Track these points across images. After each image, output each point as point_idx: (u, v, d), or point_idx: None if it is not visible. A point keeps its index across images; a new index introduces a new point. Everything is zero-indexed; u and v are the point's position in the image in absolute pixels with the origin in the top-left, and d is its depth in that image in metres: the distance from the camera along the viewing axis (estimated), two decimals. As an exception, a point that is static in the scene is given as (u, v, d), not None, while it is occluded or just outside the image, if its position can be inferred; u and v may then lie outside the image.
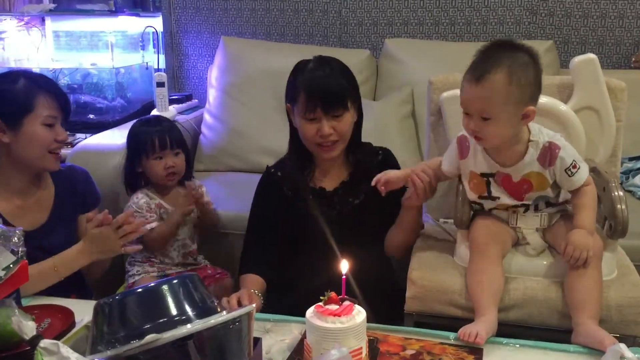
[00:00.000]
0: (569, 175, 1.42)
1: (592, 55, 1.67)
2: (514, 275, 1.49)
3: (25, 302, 1.31)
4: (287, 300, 1.70)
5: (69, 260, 1.50)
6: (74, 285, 1.66)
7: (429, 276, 1.53)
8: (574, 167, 1.41)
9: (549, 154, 1.41)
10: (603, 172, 1.53)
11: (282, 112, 2.66)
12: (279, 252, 1.74)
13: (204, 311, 0.89)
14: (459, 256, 1.58)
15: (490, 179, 1.48)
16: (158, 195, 1.92)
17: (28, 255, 1.37)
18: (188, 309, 0.89)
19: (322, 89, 1.59)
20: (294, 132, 1.73)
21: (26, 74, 1.61)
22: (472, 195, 1.52)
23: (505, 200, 1.48)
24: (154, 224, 1.87)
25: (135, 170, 1.92)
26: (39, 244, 1.51)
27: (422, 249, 1.65)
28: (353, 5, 2.82)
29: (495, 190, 1.49)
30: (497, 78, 1.32)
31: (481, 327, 1.31)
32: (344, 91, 1.61)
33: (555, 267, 1.48)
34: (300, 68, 1.67)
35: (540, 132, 1.44)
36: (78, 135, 2.74)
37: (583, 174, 1.42)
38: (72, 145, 2.59)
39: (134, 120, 2.74)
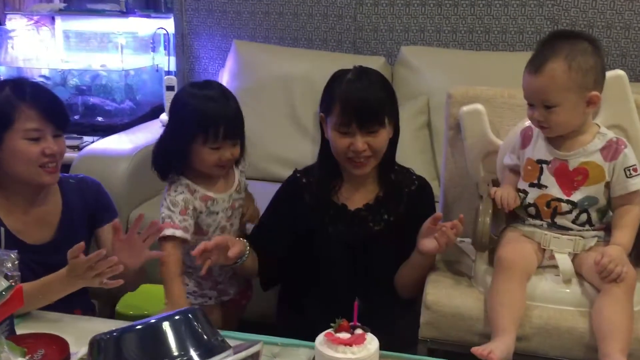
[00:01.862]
0: (627, 176, 1.41)
1: (620, 72, 1.60)
2: (537, 303, 1.41)
3: (19, 321, 1.25)
4: (297, 318, 1.64)
5: (52, 286, 1.38)
6: (77, 299, 1.60)
7: (444, 301, 1.46)
8: (635, 170, 1.41)
9: (614, 147, 1.42)
10: (633, 197, 1.45)
11: (294, 120, 2.65)
12: (274, 260, 1.67)
13: (208, 350, 0.82)
14: (477, 280, 1.51)
15: (544, 166, 1.45)
16: (203, 183, 1.56)
17: (32, 272, 1.32)
18: (191, 348, 0.82)
19: (358, 102, 1.51)
20: (325, 143, 1.63)
21: (13, 84, 1.50)
22: (522, 183, 1.50)
23: (553, 191, 1.44)
24: (177, 232, 1.50)
25: (180, 151, 1.52)
26: (45, 261, 1.45)
27: (437, 271, 1.58)
28: (368, 11, 2.75)
29: (545, 179, 1.45)
30: (555, 66, 1.35)
31: (496, 346, 1.26)
32: (382, 106, 1.52)
33: (583, 296, 1.41)
34: (337, 77, 1.58)
35: (610, 132, 1.46)
36: (85, 138, 2.70)
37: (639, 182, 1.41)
38: (80, 148, 2.55)
39: (144, 124, 2.74)
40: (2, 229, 1.45)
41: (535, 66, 1.38)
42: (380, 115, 1.52)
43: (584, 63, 1.36)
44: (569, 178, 1.44)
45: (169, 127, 1.60)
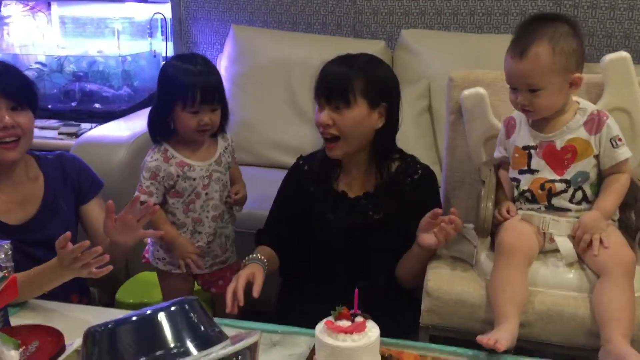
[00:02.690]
0: (613, 147, 1.42)
1: (624, 54, 1.57)
2: (539, 289, 1.39)
3: (15, 311, 1.24)
4: (298, 304, 1.63)
5: (45, 275, 1.36)
6: (75, 285, 1.59)
7: (446, 287, 1.44)
8: (620, 139, 1.42)
9: (596, 119, 1.43)
10: (636, 180, 1.43)
11: (293, 105, 2.62)
12: (292, 249, 1.67)
13: (205, 341, 0.81)
14: (479, 266, 1.49)
15: (532, 151, 1.46)
16: (183, 150, 1.69)
17: (22, 252, 1.30)
18: (187, 339, 0.80)
19: (326, 75, 1.54)
20: None
21: None
22: (512, 172, 1.50)
23: (545, 173, 1.44)
24: (143, 197, 1.64)
25: (164, 118, 1.66)
26: (30, 239, 1.44)
27: (438, 257, 1.56)
28: (368, -6, 2.72)
29: (535, 163, 1.45)
30: (540, 50, 1.36)
31: (501, 335, 1.25)
32: (348, 83, 1.49)
33: (585, 281, 1.39)
34: None
35: (590, 105, 1.47)
36: (83, 125, 2.67)
37: (626, 151, 1.43)
38: (77, 136, 2.53)
39: (141, 110, 2.72)
40: None
41: (518, 50, 1.38)
42: (345, 92, 1.49)
43: (567, 46, 1.37)
44: (559, 157, 1.44)
45: (156, 96, 1.71)
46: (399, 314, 1.52)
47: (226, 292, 1.44)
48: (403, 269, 1.61)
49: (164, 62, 1.77)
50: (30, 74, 2.84)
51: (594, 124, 1.43)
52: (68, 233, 1.31)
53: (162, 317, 0.81)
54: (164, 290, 1.83)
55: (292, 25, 2.81)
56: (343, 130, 1.52)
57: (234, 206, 1.79)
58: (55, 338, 1.13)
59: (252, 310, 1.54)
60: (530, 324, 1.37)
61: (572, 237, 1.42)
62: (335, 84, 1.51)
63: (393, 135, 1.61)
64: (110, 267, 1.34)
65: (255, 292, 1.45)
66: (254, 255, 1.58)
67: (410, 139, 2.28)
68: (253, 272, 1.48)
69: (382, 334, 1.15)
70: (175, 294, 1.75)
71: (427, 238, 1.47)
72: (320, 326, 1.15)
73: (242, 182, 1.84)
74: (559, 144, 1.44)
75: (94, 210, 1.67)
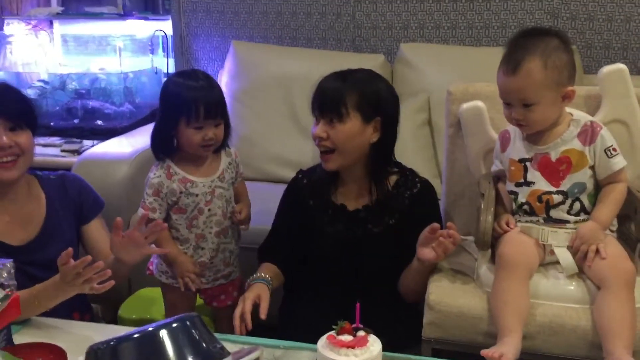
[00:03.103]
0: (608, 157, 1.43)
1: (621, 66, 1.58)
2: (541, 301, 1.40)
3: (18, 328, 1.24)
4: (299, 318, 1.64)
5: (47, 292, 1.37)
6: (75, 302, 1.59)
7: (447, 300, 1.45)
8: (614, 149, 1.44)
9: (590, 130, 1.44)
10: (635, 191, 1.44)
11: (294, 120, 2.63)
12: (295, 263, 1.68)
13: (207, 358, 0.81)
14: (479, 279, 1.49)
15: (528, 164, 1.47)
16: (186, 167, 1.69)
17: (20, 270, 1.30)
18: (189, 356, 0.81)
19: (320, 89, 1.57)
20: None
21: None
22: (509, 185, 1.51)
23: (541, 185, 1.45)
24: (155, 215, 1.65)
25: (168, 134, 1.66)
26: (31, 259, 1.44)
27: (439, 270, 1.57)
28: (367, 9, 2.74)
29: (531, 175, 1.46)
30: (532, 65, 1.37)
31: (506, 348, 1.25)
32: (340, 98, 1.52)
33: (587, 293, 1.39)
34: None
35: (584, 115, 1.49)
36: (85, 142, 2.69)
37: (621, 160, 1.44)
38: (79, 152, 2.55)
39: (143, 127, 2.73)
40: None
41: (511, 66, 1.39)
42: (338, 106, 1.52)
43: (558, 60, 1.38)
44: (554, 169, 1.45)
45: (159, 113, 1.71)
46: (401, 328, 1.52)
47: (234, 317, 1.45)
48: (404, 283, 1.61)
49: (165, 80, 1.77)
50: (32, 92, 2.87)
51: (588, 134, 1.44)
52: (70, 249, 1.32)
53: (164, 334, 0.82)
54: (166, 303, 1.83)
55: (292, 40, 2.83)
56: (337, 143, 1.54)
57: (239, 225, 1.79)
58: (58, 356, 1.13)
59: (253, 324, 1.54)
60: (533, 337, 1.37)
61: (571, 248, 1.43)
62: (328, 98, 1.54)
63: (389, 149, 1.62)
64: (112, 283, 1.34)
65: (262, 314, 1.47)
66: (258, 274, 1.59)
67: (410, 152, 2.29)
68: (259, 294, 1.50)
69: (384, 348, 1.15)
70: (177, 307, 1.78)
71: (426, 252, 1.48)
72: (322, 341, 1.15)
73: (246, 199, 1.84)
74: (554, 156, 1.45)
75: (95, 230, 1.68)
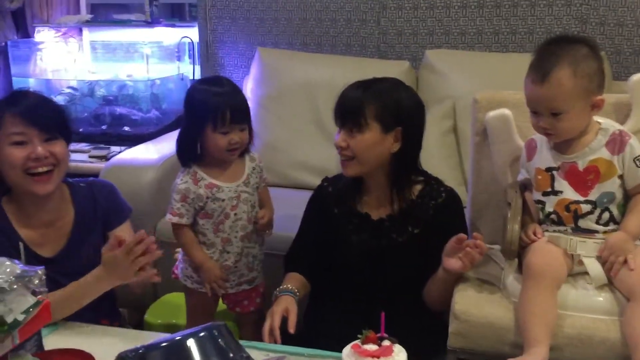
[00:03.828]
0: (637, 166, 1.40)
1: (653, 73, 1.55)
2: (569, 312, 1.38)
3: (48, 332, 1.26)
4: (324, 326, 1.64)
5: (87, 287, 1.40)
6: (105, 309, 1.62)
7: (473, 310, 1.44)
8: None
9: (618, 139, 1.42)
10: (666, 202, 1.41)
11: (319, 126, 2.63)
12: (319, 270, 1.69)
13: (233, 367, 0.82)
14: (506, 288, 1.48)
15: (555, 173, 1.45)
16: (212, 172, 1.71)
17: (50, 282, 1.33)
18: (216, 365, 0.81)
19: (340, 99, 1.58)
20: None
21: (10, 94, 1.52)
22: (536, 194, 1.49)
23: (569, 194, 1.43)
24: (174, 219, 1.69)
25: (193, 140, 1.69)
26: (61, 269, 1.46)
27: (465, 280, 1.55)
28: (392, 15, 2.73)
29: (558, 185, 1.44)
30: (561, 74, 1.35)
31: (532, 358, 1.24)
32: (359, 108, 1.52)
33: (616, 304, 1.37)
34: None
35: (612, 124, 1.46)
36: (113, 148, 2.73)
37: None
38: (107, 158, 2.58)
39: (170, 133, 2.76)
40: (22, 244, 1.46)
41: (539, 75, 1.37)
42: (356, 116, 1.52)
43: (588, 68, 1.36)
44: (582, 178, 1.43)
45: (184, 120, 1.75)
46: (426, 337, 1.51)
47: (262, 332, 1.47)
48: (430, 293, 1.60)
49: (190, 87, 1.79)
50: (61, 98, 2.92)
51: (616, 144, 1.42)
52: (119, 235, 1.38)
53: (191, 342, 0.83)
54: (188, 307, 1.85)
55: (316, 46, 2.84)
56: (356, 152, 1.55)
57: (263, 231, 1.80)
58: (87, 361, 1.15)
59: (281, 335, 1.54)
60: (560, 348, 1.35)
61: (600, 258, 1.41)
62: (348, 108, 1.55)
63: (412, 159, 1.62)
64: (155, 272, 1.38)
65: (291, 328, 1.48)
66: (285, 286, 1.60)
67: (435, 159, 2.28)
68: (287, 307, 1.52)
69: (409, 358, 1.14)
70: (199, 312, 1.80)
71: (452, 262, 1.47)
72: (347, 350, 1.15)
73: (270, 205, 1.85)
74: (581, 165, 1.43)
75: (122, 236, 1.69)
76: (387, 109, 1.54)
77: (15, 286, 0.98)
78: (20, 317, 0.96)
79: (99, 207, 1.64)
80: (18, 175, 1.47)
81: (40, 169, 1.47)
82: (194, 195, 1.70)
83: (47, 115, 1.51)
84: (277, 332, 1.45)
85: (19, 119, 1.46)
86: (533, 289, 1.37)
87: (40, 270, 1.02)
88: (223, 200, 1.71)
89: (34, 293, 1.00)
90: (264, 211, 1.79)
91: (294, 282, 1.64)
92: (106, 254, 1.37)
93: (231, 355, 0.86)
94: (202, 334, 0.85)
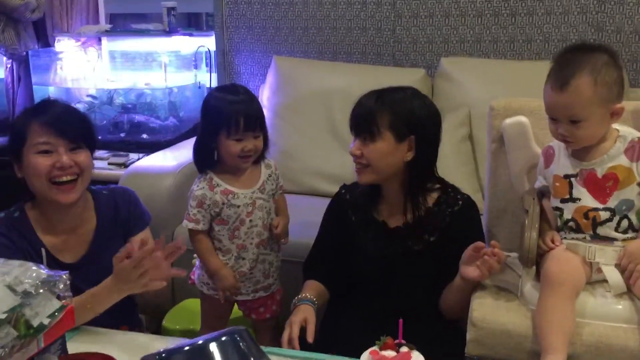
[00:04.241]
0: None
1: (670, 80, 1.55)
2: (587, 320, 1.37)
3: (69, 337, 1.28)
4: (341, 332, 1.64)
5: (99, 296, 1.41)
6: (125, 315, 1.64)
7: (491, 318, 1.43)
8: None
9: (637, 147, 1.41)
10: (684, 209, 1.40)
11: (334, 134, 2.65)
12: (337, 277, 1.70)
13: (255, 371, 0.83)
14: (524, 296, 1.47)
15: (573, 180, 1.45)
16: (228, 179, 1.74)
17: (71, 288, 1.35)
18: (238, 369, 0.83)
19: (354, 109, 1.60)
20: None
21: (36, 103, 1.56)
22: (554, 201, 1.48)
23: (587, 201, 1.42)
24: (190, 224, 1.72)
25: (209, 147, 1.72)
26: (82, 276, 1.48)
27: (483, 288, 1.55)
28: (407, 23, 2.75)
29: (577, 192, 1.44)
30: (581, 82, 1.35)
31: None
32: (371, 117, 1.54)
33: (635, 312, 1.36)
34: None
35: (630, 132, 1.46)
36: (132, 155, 2.76)
37: None
38: (126, 166, 2.62)
39: (187, 140, 2.79)
40: (44, 249, 1.48)
41: (559, 82, 1.37)
42: (369, 126, 1.54)
43: (608, 76, 1.36)
44: (600, 186, 1.42)
45: (200, 127, 1.77)
46: (443, 345, 1.51)
47: (281, 342, 1.48)
48: (446, 301, 1.60)
49: (207, 94, 1.83)
50: (81, 106, 2.96)
51: (635, 151, 1.41)
52: (128, 246, 1.39)
53: (213, 347, 0.84)
54: (203, 312, 1.87)
55: (332, 55, 2.86)
56: (370, 161, 1.56)
57: (278, 239, 1.81)
58: (109, 365, 1.16)
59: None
60: (579, 357, 1.34)
61: (619, 266, 1.40)
62: (361, 117, 1.57)
63: (427, 167, 1.62)
64: (165, 283, 1.39)
65: (310, 338, 1.49)
66: (304, 294, 1.62)
67: (451, 167, 2.28)
68: (305, 317, 1.53)
69: (427, 366, 1.15)
70: (213, 317, 1.82)
71: (470, 271, 1.48)
72: (365, 356, 1.16)
73: (285, 213, 1.86)
74: (600, 172, 1.43)
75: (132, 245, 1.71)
76: (400, 118, 1.55)
77: (41, 290, 1.00)
78: (46, 321, 0.98)
79: (120, 214, 1.66)
80: (43, 183, 1.50)
81: (64, 178, 1.50)
82: (210, 202, 1.72)
83: (72, 125, 1.54)
84: (296, 342, 1.46)
85: (45, 128, 1.49)
86: (551, 297, 1.36)
87: (65, 275, 1.04)
88: (238, 206, 1.73)
89: (59, 297, 1.02)
90: (278, 219, 1.80)
91: (312, 290, 1.65)
92: (116, 265, 1.39)
93: (252, 359, 0.87)
94: (224, 339, 0.86)
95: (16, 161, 1.53)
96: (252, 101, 1.72)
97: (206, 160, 1.75)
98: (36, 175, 1.49)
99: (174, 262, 1.44)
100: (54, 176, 1.49)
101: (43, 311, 0.99)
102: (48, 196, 1.51)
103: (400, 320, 1.18)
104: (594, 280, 1.43)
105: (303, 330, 1.50)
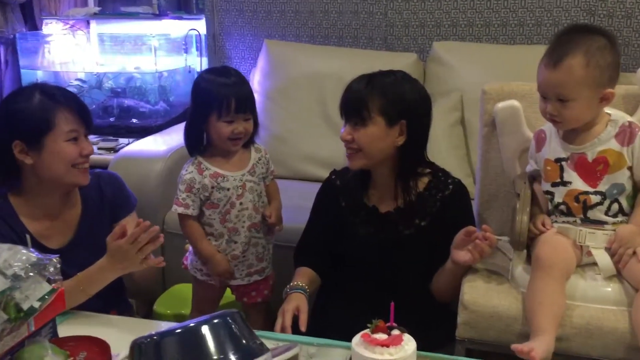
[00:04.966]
0: None
1: (661, 64, 1.55)
2: (578, 303, 1.38)
3: (59, 321, 1.28)
4: (332, 316, 1.65)
5: (93, 277, 1.42)
6: (114, 299, 1.63)
7: (482, 301, 1.44)
8: None
9: (628, 131, 1.42)
10: (675, 192, 1.41)
11: (326, 118, 2.64)
12: (328, 263, 1.70)
13: (247, 354, 0.83)
14: (515, 279, 1.48)
15: (564, 163, 1.45)
16: (217, 161, 1.74)
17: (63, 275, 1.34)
18: (230, 351, 0.82)
19: (345, 94, 1.59)
20: None
21: (42, 89, 1.53)
22: (545, 185, 1.49)
23: (578, 185, 1.43)
24: (179, 209, 1.71)
25: (199, 129, 1.72)
26: (69, 261, 1.47)
27: (474, 271, 1.56)
28: (399, 7, 2.73)
29: (567, 175, 1.45)
30: (574, 62, 1.35)
31: (537, 345, 1.25)
32: (363, 102, 1.53)
33: (625, 295, 1.37)
34: None
35: (622, 116, 1.46)
36: (121, 140, 2.74)
37: None
38: (116, 150, 2.60)
39: (177, 125, 2.78)
40: (28, 235, 1.47)
41: (553, 60, 1.38)
42: (360, 111, 1.53)
43: (602, 60, 1.36)
44: (591, 169, 1.43)
45: (190, 109, 1.75)
46: (434, 328, 1.52)
47: (274, 331, 1.47)
48: (438, 285, 1.61)
49: (197, 76, 1.81)
50: (70, 90, 2.93)
51: (626, 135, 1.42)
52: (123, 224, 1.39)
53: (205, 329, 0.84)
54: (194, 297, 1.87)
55: (324, 39, 2.84)
56: (361, 145, 1.55)
57: (273, 227, 1.81)
58: (102, 349, 1.16)
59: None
60: (569, 338, 1.36)
61: (609, 250, 1.41)
62: (351, 102, 1.56)
63: (418, 152, 1.62)
64: (162, 258, 1.41)
65: (302, 327, 1.49)
66: (295, 282, 1.61)
67: (443, 151, 2.28)
68: (298, 305, 1.53)
69: (418, 348, 1.15)
70: (205, 301, 1.82)
71: (461, 255, 1.48)
72: (357, 339, 1.16)
73: (277, 200, 1.85)
74: (590, 156, 1.43)
75: (128, 226, 1.70)
76: (391, 102, 1.54)
77: (31, 274, 0.99)
78: (36, 305, 0.97)
79: (106, 198, 1.66)
80: (66, 169, 1.51)
81: (85, 165, 1.54)
82: (199, 185, 1.71)
83: (89, 114, 1.56)
84: (289, 331, 1.46)
85: (71, 116, 1.51)
86: (542, 279, 1.37)
87: (55, 258, 1.03)
88: (228, 189, 1.72)
89: (49, 281, 1.02)
90: (270, 209, 1.79)
91: (303, 278, 1.64)
92: (111, 244, 1.39)
93: (244, 342, 0.87)
94: (216, 321, 0.86)
95: (30, 147, 1.50)
96: (243, 83, 1.72)
97: (196, 142, 1.75)
98: (63, 161, 1.50)
99: (163, 246, 1.44)
100: (78, 163, 1.52)
101: (33, 294, 0.99)
102: (69, 180, 1.53)
103: (392, 304, 1.18)
104: (584, 263, 1.44)
105: (295, 319, 1.50)
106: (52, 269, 1.00)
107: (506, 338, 1.41)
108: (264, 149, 1.84)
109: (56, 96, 1.52)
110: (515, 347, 1.24)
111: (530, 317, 1.35)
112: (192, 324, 0.86)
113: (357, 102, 1.54)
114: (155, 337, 0.85)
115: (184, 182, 1.72)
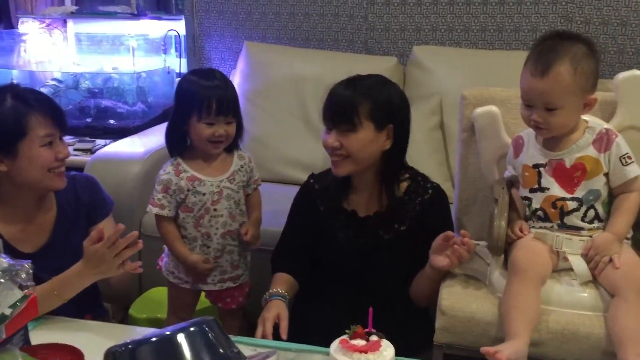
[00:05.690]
0: (623, 165, 1.42)
1: (637, 72, 1.59)
2: (553, 308, 1.39)
3: (32, 327, 1.25)
4: (311, 322, 1.64)
5: (68, 282, 1.39)
6: (88, 304, 1.61)
7: (460, 306, 1.44)
8: (629, 157, 1.43)
9: (605, 138, 1.43)
10: (650, 199, 1.43)
11: (306, 121, 2.64)
12: (306, 267, 1.69)
13: (223, 362, 0.82)
14: (492, 284, 1.49)
15: (542, 169, 1.46)
16: (197, 164, 1.71)
17: (36, 279, 1.32)
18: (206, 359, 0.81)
19: (332, 99, 1.57)
20: None
21: (14, 92, 1.49)
22: (523, 191, 1.50)
23: (556, 191, 1.44)
24: (154, 209, 1.69)
25: (180, 130, 1.69)
26: (43, 265, 1.44)
27: (452, 276, 1.56)
28: (380, 10, 2.74)
29: (545, 181, 1.46)
30: (562, 70, 1.36)
31: (505, 347, 1.25)
32: (353, 108, 1.52)
33: (600, 300, 1.38)
34: None
35: (599, 123, 1.48)
36: (98, 141, 2.70)
37: (636, 169, 1.43)
38: (92, 152, 2.56)
39: (156, 126, 2.75)
40: (0, 240, 1.44)
41: (540, 68, 1.37)
42: (350, 116, 1.52)
43: (587, 67, 1.38)
44: (568, 175, 1.44)
45: (173, 109, 1.74)
46: (413, 333, 1.52)
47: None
48: (416, 289, 1.61)
49: (181, 77, 1.80)
50: (46, 90, 2.89)
51: (603, 142, 1.44)
52: (100, 228, 1.37)
53: (181, 337, 0.82)
54: (170, 301, 1.84)
55: (304, 41, 2.84)
56: (351, 152, 1.54)
57: (248, 245, 1.76)
58: (75, 357, 1.14)
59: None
60: (545, 343, 1.37)
61: (585, 256, 1.42)
62: (340, 108, 1.54)
63: (401, 156, 1.62)
64: (139, 263, 1.38)
65: (283, 334, 1.47)
66: (274, 289, 1.60)
67: (422, 155, 2.29)
68: (278, 313, 1.51)
69: (396, 352, 1.15)
70: (179, 305, 1.79)
71: (440, 260, 1.48)
72: (335, 345, 1.15)
73: (258, 214, 1.80)
74: (568, 162, 1.45)
75: (104, 230, 1.68)
76: (379, 107, 1.54)
77: (2, 280, 0.97)
78: (8, 312, 0.95)
79: (82, 202, 1.63)
80: (42, 174, 1.48)
81: (62, 169, 1.51)
82: (176, 187, 1.69)
83: (62, 115, 1.53)
84: (270, 339, 1.45)
85: (45, 120, 1.47)
86: (517, 283, 1.38)
87: (27, 264, 1.01)
88: (204, 194, 1.70)
89: (21, 287, 1.00)
90: (247, 226, 1.74)
91: (282, 284, 1.63)
92: (88, 248, 1.36)
93: (221, 350, 0.86)
94: (192, 329, 0.84)
95: (4, 154, 1.46)
96: (227, 86, 1.69)
97: (177, 144, 1.73)
98: (38, 166, 1.47)
99: (142, 249, 1.42)
100: (54, 167, 1.49)
101: (4, 301, 0.97)
102: (45, 185, 1.50)
103: (370, 309, 1.18)
104: (560, 268, 1.45)
105: (276, 327, 1.49)
106: (24, 275, 0.98)
107: (483, 343, 1.40)
108: (249, 157, 1.81)
109: (29, 100, 1.48)
110: (484, 349, 1.25)
111: (505, 321, 1.36)
112: (167, 332, 0.85)
113: (345, 108, 1.53)
114: (130, 346, 0.84)
115: (160, 183, 1.70)
